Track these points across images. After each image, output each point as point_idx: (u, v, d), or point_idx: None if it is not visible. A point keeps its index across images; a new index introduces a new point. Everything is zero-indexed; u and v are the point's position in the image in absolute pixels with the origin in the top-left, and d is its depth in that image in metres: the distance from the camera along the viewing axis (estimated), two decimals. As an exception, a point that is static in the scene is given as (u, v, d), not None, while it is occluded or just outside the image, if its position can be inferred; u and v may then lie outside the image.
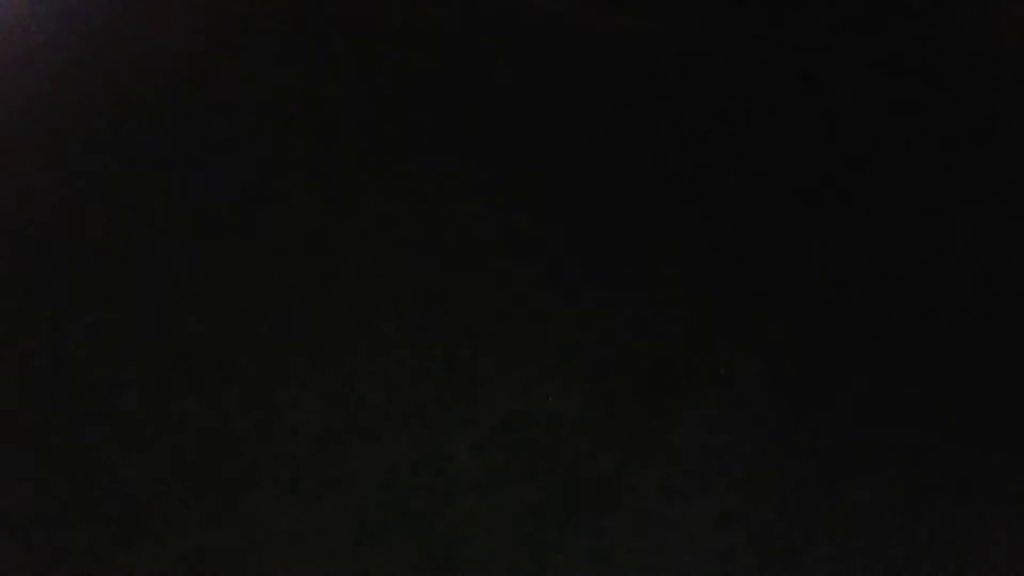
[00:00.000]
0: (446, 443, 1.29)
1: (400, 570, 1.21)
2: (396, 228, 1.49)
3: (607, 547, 1.25)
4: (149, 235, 1.44)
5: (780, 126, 1.66)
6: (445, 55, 1.68)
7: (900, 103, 1.70)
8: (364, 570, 1.20)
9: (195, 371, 1.31)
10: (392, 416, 1.31)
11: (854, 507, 1.30)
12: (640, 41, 1.73)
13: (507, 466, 1.29)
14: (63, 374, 1.30)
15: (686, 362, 1.41)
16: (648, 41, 1.72)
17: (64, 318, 1.34)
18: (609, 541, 1.26)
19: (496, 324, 1.41)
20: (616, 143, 1.62)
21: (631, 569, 1.24)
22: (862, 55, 1.74)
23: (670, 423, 1.35)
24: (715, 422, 1.36)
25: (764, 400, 1.38)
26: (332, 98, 1.61)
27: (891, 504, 1.31)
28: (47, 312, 1.35)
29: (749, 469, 1.33)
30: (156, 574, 1.16)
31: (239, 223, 1.46)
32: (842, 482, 1.32)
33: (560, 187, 1.56)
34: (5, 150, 1.51)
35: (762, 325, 1.46)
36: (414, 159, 1.56)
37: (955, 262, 1.55)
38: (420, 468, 1.27)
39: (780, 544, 1.27)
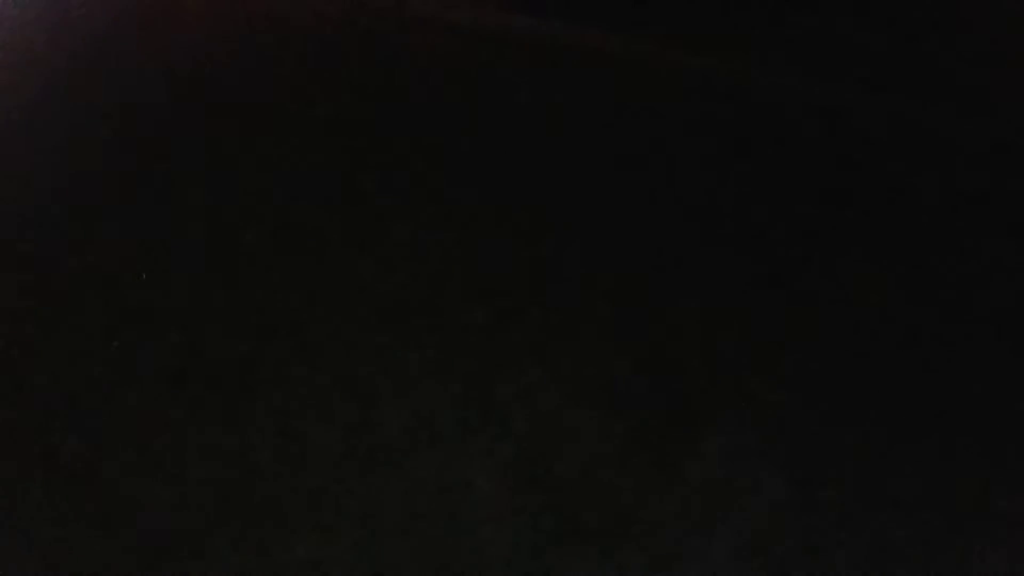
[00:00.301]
0: (467, 472, 1.29)
1: (419, 600, 1.21)
2: (420, 257, 1.50)
3: (627, 579, 1.24)
4: (167, 258, 1.46)
5: (803, 152, 1.65)
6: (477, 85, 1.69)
7: (930, 131, 1.69)
8: (382, 599, 1.20)
9: (218, 397, 1.32)
10: (413, 445, 1.31)
11: (881, 542, 1.28)
12: (663, 72, 1.73)
13: (527, 496, 1.29)
14: (86, 401, 1.32)
15: (707, 392, 1.40)
16: (670, 72, 1.73)
17: (86, 340, 1.36)
18: (631, 573, 1.25)
19: (516, 353, 1.41)
20: (636, 170, 1.62)
21: (652, 603, 1.23)
22: (887, 81, 1.73)
23: (691, 453, 1.34)
24: (737, 453, 1.34)
25: (788, 431, 1.37)
26: (361, 122, 1.63)
27: (922, 539, 1.29)
28: (65, 336, 1.37)
29: (771, 501, 1.31)
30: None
31: (259, 249, 1.48)
32: (868, 517, 1.30)
33: (581, 215, 1.56)
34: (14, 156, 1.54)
35: (787, 355, 1.44)
36: (441, 188, 1.57)
37: (984, 290, 1.53)
38: (440, 497, 1.27)
39: (802, 578, 1.25)
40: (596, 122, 1.67)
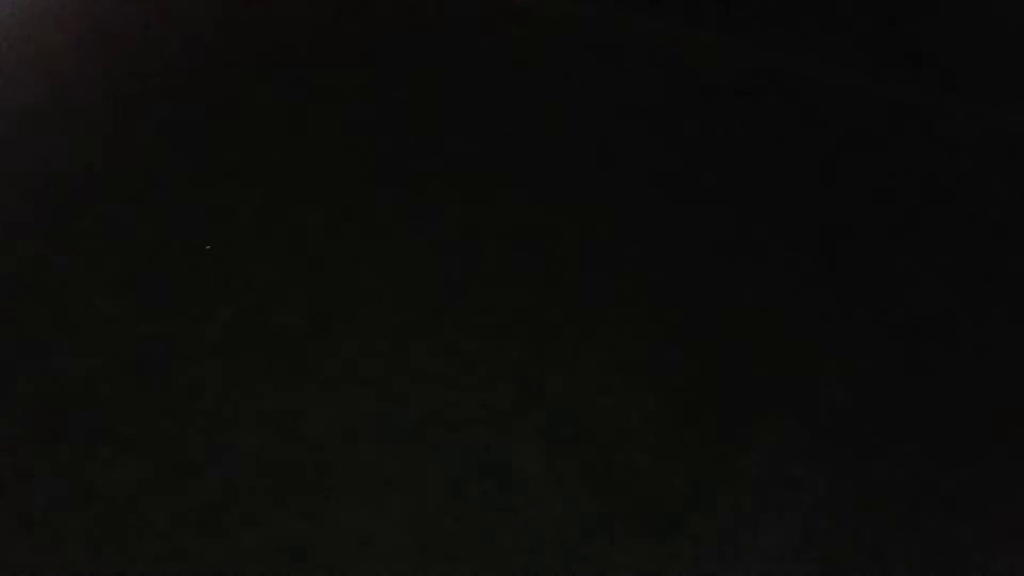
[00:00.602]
0: (515, 453, 1.29)
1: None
2: (470, 240, 1.50)
3: (677, 567, 1.22)
4: (226, 232, 1.48)
5: (858, 149, 1.63)
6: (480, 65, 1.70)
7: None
8: (426, 573, 1.20)
9: (270, 369, 1.34)
10: (462, 423, 1.31)
11: (934, 541, 1.26)
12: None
13: (576, 480, 1.28)
14: (141, 367, 1.33)
15: (759, 387, 1.39)
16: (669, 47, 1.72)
17: (139, 314, 1.38)
18: (678, 564, 1.23)
19: (569, 339, 1.41)
20: (688, 162, 1.62)
21: (701, 593, 1.22)
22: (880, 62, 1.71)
23: (743, 448, 1.33)
24: (789, 449, 1.33)
25: (841, 429, 1.35)
26: (367, 121, 1.64)
27: (975, 540, 1.26)
28: (125, 309, 1.39)
29: (823, 497, 1.29)
30: (228, 565, 1.17)
31: (312, 228, 1.49)
32: (922, 516, 1.28)
33: (635, 207, 1.56)
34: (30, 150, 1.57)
35: (841, 352, 1.42)
36: (488, 176, 1.58)
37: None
38: (487, 476, 1.27)
39: (856, 572, 1.23)
40: (646, 113, 1.67)
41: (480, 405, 1.32)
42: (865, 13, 1.76)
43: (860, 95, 1.71)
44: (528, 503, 1.25)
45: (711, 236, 1.55)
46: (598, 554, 1.22)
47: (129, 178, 1.55)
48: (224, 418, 1.29)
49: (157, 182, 1.54)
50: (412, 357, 1.37)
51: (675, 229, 1.55)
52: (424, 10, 1.75)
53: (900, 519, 1.27)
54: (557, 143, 1.64)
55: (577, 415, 1.33)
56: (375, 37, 1.72)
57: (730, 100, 1.69)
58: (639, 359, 1.40)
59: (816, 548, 1.25)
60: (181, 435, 1.27)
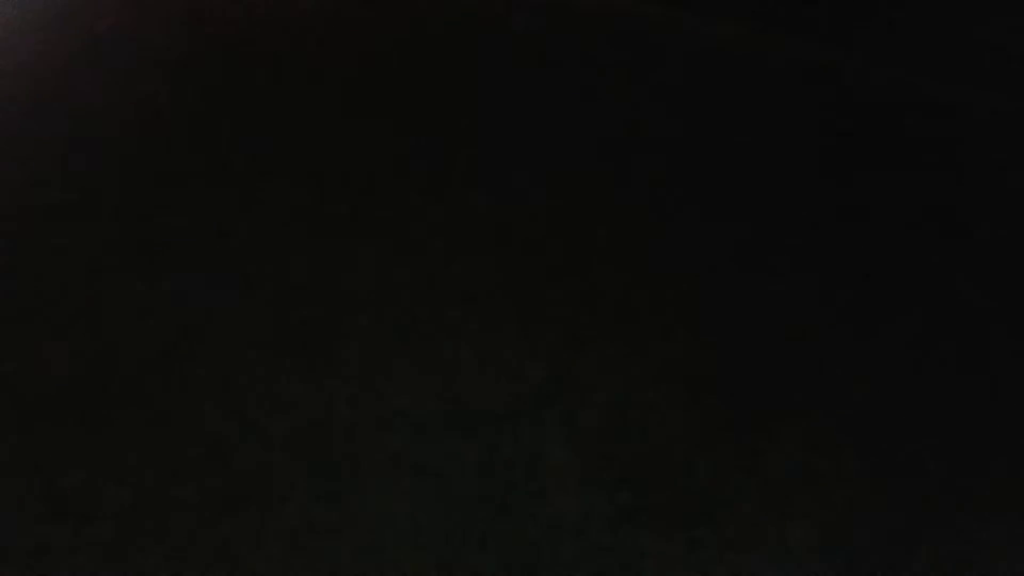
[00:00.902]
0: (543, 443, 1.30)
1: (489, 562, 1.21)
2: (503, 234, 1.52)
3: (702, 559, 1.23)
4: (254, 222, 1.50)
5: (892, 154, 1.63)
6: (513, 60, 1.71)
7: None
8: (454, 558, 1.21)
9: (306, 358, 1.36)
10: (491, 412, 1.32)
11: (962, 539, 1.25)
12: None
13: (603, 470, 1.29)
14: (182, 354, 1.36)
15: (787, 386, 1.39)
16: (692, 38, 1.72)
17: (172, 302, 1.41)
18: (704, 554, 1.24)
19: (598, 334, 1.42)
20: (725, 161, 1.62)
21: (725, 584, 1.22)
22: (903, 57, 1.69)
23: (771, 443, 1.33)
24: (816, 448, 1.33)
25: (869, 426, 1.35)
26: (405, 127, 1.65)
27: (998, 537, 1.25)
28: (157, 294, 1.42)
29: (849, 496, 1.29)
30: (259, 545, 1.19)
31: (340, 226, 1.51)
32: (950, 513, 1.28)
33: (660, 207, 1.56)
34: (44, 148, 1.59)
35: (872, 350, 1.42)
36: (523, 175, 1.59)
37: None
38: (516, 465, 1.28)
39: (881, 571, 1.23)
40: (674, 115, 1.68)
41: (509, 395, 1.34)
42: (886, 14, 1.75)
43: (882, 97, 1.70)
44: (555, 492, 1.26)
45: (739, 237, 1.55)
46: (623, 544, 1.23)
47: (141, 176, 1.58)
48: (257, 405, 1.31)
49: (179, 177, 1.57)
50: (443, 348, 1.39)
51: (704, 232, 1.55)
52: (425, 10, 1.76)
53: (926, 518, 1.27)
54: (586, 142, 1.65)
55: (605, 407, 1.34)
56: (388, 42, 1.74)
57: (752, 102, 1.69)
58: (668, 355, 1.41)
59: (841, 545, 1.25)
60: (215, 419, 1.29)
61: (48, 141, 1.59)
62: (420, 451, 1.28)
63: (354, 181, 1.59)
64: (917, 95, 1.68)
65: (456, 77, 1.72)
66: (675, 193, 1.59)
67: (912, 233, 1.56)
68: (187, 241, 1.50)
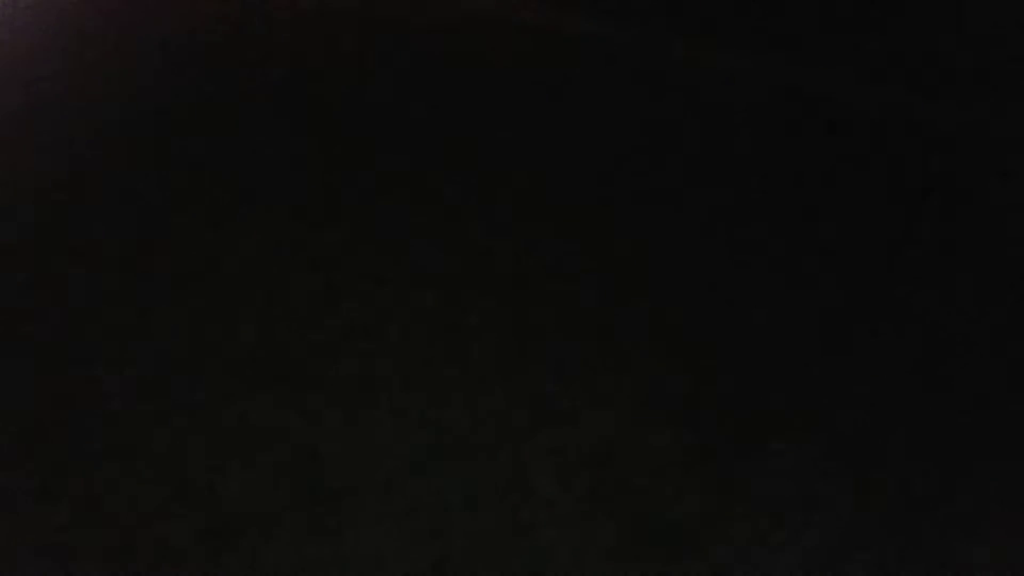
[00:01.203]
0: (532, 474, 1.30)
1: (480, 596, 1.21)
2: (486, 260, 1.52)
3: (692, 587, 1.23)
4: (242, 250, 1.49)
5: (875, 164, 1.65)
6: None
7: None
8: (445, 592, 1.21)
9: (294, 389, 1.35)
10: (479, 443, 1.32)
11: (952, 561, 1.26)
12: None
13: (591, 502, 1.29)
14: (165, 384, 1.35)
15: (774, 408, 1.40)
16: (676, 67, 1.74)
17: (158, 329, 1.40)
18: (693, 582, 1.24)
19: (585, 361, 1.42)
20: (699, 178, 1.63)
21: (716, 613, 1.22)
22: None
23: (759, 467, 1.34)
24: (805, 469, 1.34)
25: (857, 449, 1.36)
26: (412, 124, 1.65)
27: (997, 561, 1.26)
28: (143, 322, 1.40)
29: (839, 518, 1.30)
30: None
31: (331, 250, 1.51)
32: (939, 536, 1.29)
33: (647, 233, 1.57)
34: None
35: (857, 373, 1.44)
36: (507, 193, 1.59)
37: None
38: (504, 497, 1.28)
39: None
40: (662, 130, 1.69)
41: (497, 426, 1.34)
42: (869, 26, 1.78)
43: (868, 106, 1.72)
44: (544, 523, 1.26)
45: (722, 258, 1.56)
46: (614, 574, 1.23)
47: (131, 195, 1.56)
48: (243, 437, 1.30)
49: (163, 199, 1.56)
50: (430, 378, 1.39)
51: (689, 251, 1.56)
52: (427, 25, 1.77)
53: (918, 538, 1.28)
54: (569, 161, 1.66)
55: (593, 436, 1.34)
56: (384, 52, 1.74)
57: (741, 116, 1.71)
58: (654, 381, 1.41)
59: (829, 567, 1.26)
60: (200, 453, 1.28)
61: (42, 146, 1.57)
62: (408, 484, 1.27)
63: (341, 209, 1.58)
64: (899, 108, 1.71)
65: (445, 100, 1.73)
66: (658, 219, 1.60)
67: (899, 250, 1.58)
68: (171, 271, 1.49)
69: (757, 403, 1.40)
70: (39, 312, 1.43)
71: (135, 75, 1.70)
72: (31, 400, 1.33)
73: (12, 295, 1.43)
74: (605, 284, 1.51)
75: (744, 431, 1.37)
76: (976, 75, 1.74)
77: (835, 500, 1.31)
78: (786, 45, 1.76)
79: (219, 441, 1.29)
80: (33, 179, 1.57)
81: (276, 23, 1.78)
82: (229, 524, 1.21)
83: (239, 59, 1.73)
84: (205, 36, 1.73)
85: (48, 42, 1.72)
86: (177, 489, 1.25)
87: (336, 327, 1.43)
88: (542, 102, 1.73)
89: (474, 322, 1.45)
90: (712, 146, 1.69)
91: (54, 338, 1.40)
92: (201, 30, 1.74)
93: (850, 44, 1.75)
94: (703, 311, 1.50)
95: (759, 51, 1.76)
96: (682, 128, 1.72)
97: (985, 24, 1.74)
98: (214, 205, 1.58)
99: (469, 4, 1.78)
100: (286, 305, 1.45)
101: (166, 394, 1.34)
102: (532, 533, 1.25)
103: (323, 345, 1.40)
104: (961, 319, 1.51)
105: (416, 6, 1.78)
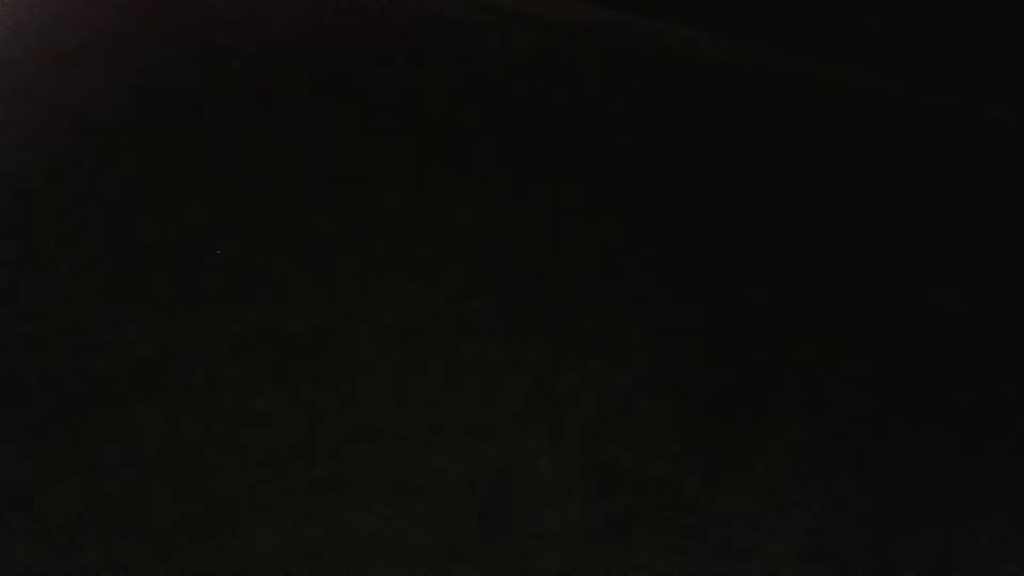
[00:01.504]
0: (529, 457, 1.30)
1: (477, 578, 1.21)
2: (487, 245, 1.51)
3: (688, 570, 1.23)
4: (243, 237, 1.49)
5: (875, 152, 1.63)
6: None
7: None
8: (440, 574, 1.21)
9: (287, 373, 1.35)
10: (475, 427, 1.32)
11: (949, 545, 1.26)
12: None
13: (588, 483, 1.29)
14: (159, 369, 1.34)
15: (776, 390, 1.39)
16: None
17: (157, 316, 1.39)
18: (691, 565, 1.24)
19: (580, 342, 1.41)
20: (703, 167, 1.62)
21: (713, 594, 1.22)
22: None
23: (756, 451, 1.33)
24: (801, 452, 1.33)
25: (856, 431, 1.35)
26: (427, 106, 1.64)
27: (993, 545, 1.26)
28: (142, 311, 1.40)
29: (834, 500, 1.30)
30: (243, 567, 1.19)
31: (329, 234, 1.50)
32: (937, 520, 1.28)
33: (644, 213, 1.56)
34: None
35: (857, 355, 1.43)
36: (508, 179, 1.58)
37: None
38: (501, 480, 1.28)
39: (870, 576, 1.24)
40: (662, 120, 1.67)
41: (493, 407, 1.33)
42: (874, 15, 1.76)
43: (870, 97, 1.71)
44: (541, 505, 1.26)
45: (721, 239, 1.55)
46: (610, 556, 1.23)
47: (135, 180, 1.56)
48: (239, 421, 1.30)
49: (163, 186, 1.56)
50: (425, 360, 1.38)
51: (686, 233, 1.55)
52: (428, 13, 1.76)
53: (912, 522, 1.28)
54: (570, 148, 1.64)
55: (589, 418, 1.33)
56: (383, 41, 1.73)
57: (741, 105, 1.69)
58: (650, 362, 1.40)
59: (827, 550, 1.26)
60: (196, 437, 1.28)
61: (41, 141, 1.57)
62: (404, 466, 1.27)
63: (335, 191, 1.57)
64: (905, 104, 1.69)
65: (448, 86, 1.71)
66: (658, 203, 1.59)
67: (898, 237, 1.57)
68: (166, 252, 1.48)
69: (756, 384, 1.39)
70: (37, 301, 1.42)
71: (135, 70, 1.69)
72: (29, 389, 1.33)
73: (10, 283, 1.43)
74: (602, 265, 1.50)
75: (742, 413, 1.36)
76: (982, 69, 1.72)
77: (835, 482, 1.31)
78: (788, 36, 1.75)
79: (214, 426, 1.29)
80: (32, 170, 1.57)
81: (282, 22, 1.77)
82: (224, 509, 1.21)
83: (231, 52, 1.72)
84: (203, 32, 1.73)
85: (48, 39, 1.72)
86: (167, 474, 1.25)
87: (331, 311, 1.42)
88: (540, 95, 1.71)
89: (470, 305, 1.44)
90: (713, 136, 1.68)
91: (51, 326, 1.40)
92: (198, 27, 1.73)
93: (855, 38, 1.74)
94: (701, 293, 1.49)
95: (765, 42, 1.75)
96: (683, 117, 1.70)
97: (991, 18, 1.72)
98: (210, 193, 1.57)
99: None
100: (281, 290, 1.44)
101: (157, 375, 1.34)
102: (530, 515, 1.25)
103: (318, 329, 1.39)
104: (964, 303, 1.50)
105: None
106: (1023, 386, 1.42)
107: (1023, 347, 1.45)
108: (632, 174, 1.61)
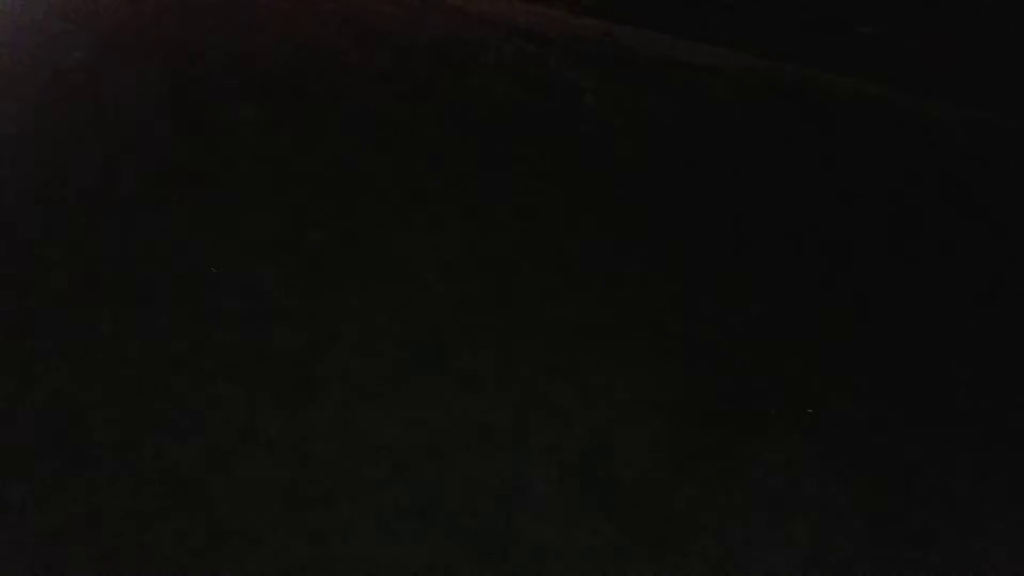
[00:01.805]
0: (526, 474, 1.29)
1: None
2: (476, 259, 1.51)
3: (688, 583, 1.22)
4: (233, 254, 1.49)
5: (878, 164, 1.64)
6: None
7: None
8: (439, 595, 1.19)
9: (279, 391, 1.34)
10: (472, 444, 1.30)
11: (949, 555, 1.25)
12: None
13: (585, 500, 1.27)
14: (151, 386, 1.33)
15: (774, 402, 1.38)
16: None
17: (147, 335, 1.39)
18: (690, 579, 1.23)
19: (576, 358, 1.41)
20: (710, 177, 1.62)
21: (712, 609, 1.21)
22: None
23: (751, 464, 1.32)
24: (799, 466, 1.32)
25: (854, 442, 1.34)
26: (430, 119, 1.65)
27: (986, 552, 1.25)
28: (136, 323, 1.39)
29: (836, 511, 1.29)
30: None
31: (325, 249, 1.50)
32: (936, 529, 1.27)
33: (639, 223, 1.56)
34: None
35: (855, 366, 1.42)
36: (508, 191, 1.59)
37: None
38: (498, 498, 1.27)
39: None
40: (678, 128, 1.68)
41: (488, 426, 1.32)
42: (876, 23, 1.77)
43: (872, 106, 1.71)
44: (539, 524, 1.24)
45: (717, 253, 1.55)
46: (608, 572, 1.22)
47: (129, 204, 1.56)
48: (232, 441, 1.29)
49: (157, 207, 1.56)
50: (420, 380, 1.38)
51: (681, 247, 1.55)
52: (430, 29, 1.76)
53: (912, 534, 1.27)
54: (561, 164, 1.64)
55: (586, 435, 1.32)
56: (382, 57, 1.73)
57: (740, 113, 1.70)
58: (647, 378, 1.40)
59: (827, 563, 1.24)
60: (190, 456, 1.27)
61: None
62: (400, 487, 1.26)
63: (332, 212, 1.57)
64: (901, 107, 1.70)
65: (442, 102, 1.72)
66: (653, 218, 1.59)
67: (898, 245, 1.57)
68: (164, 272, 1.48)
69: (753, 400, 1.39)
70: (37, 310, 1.42)
71: (137, 76, 1.70)
72: (18, 399, 1.32)
73: (10, 293, 1.42)
74: (598, 281, 1.50)
75: (740, 428, 1.35)
76: (979, 74, 1.72)
77: (833, 498, 1.30)
78: (786, 43, 1.76)
79: (208, 445, 1.28)
80: (33, 177, 1.57)
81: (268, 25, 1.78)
82: (218, 529, 1.20)
83: (228, 58, 1.73)
84: (203, 37, 1.74)
85: (50, 40, 1.72)
86: (166, 493, 1.24)
87: (327, 329, 1.41)
88: (541, 96, 1.72)
89: (466, 322, 1.44)
90: (712, 142, 1.68)
91: (49, 337, 1.39)
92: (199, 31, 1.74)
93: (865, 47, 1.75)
94: (698, 308, 1.49)
95: (758, 48, 1.76)
96: (682, 123, 1.71)
97: (988, 22, 1.73)
98: (206, 207, 1.57)
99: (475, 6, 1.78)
100: (277, 306, 1.44)
101: (155, 395, 1.33)
102: (526, 532, 1.24)
103: (311, 348, 1.39)
104: (960, 314, 1.50)
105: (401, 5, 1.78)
106: (1023, 395, 1.41)
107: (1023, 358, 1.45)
108: (631, 181, 1.61)
